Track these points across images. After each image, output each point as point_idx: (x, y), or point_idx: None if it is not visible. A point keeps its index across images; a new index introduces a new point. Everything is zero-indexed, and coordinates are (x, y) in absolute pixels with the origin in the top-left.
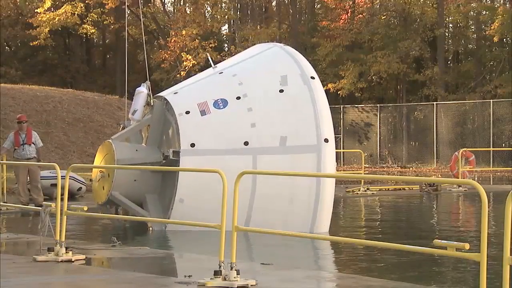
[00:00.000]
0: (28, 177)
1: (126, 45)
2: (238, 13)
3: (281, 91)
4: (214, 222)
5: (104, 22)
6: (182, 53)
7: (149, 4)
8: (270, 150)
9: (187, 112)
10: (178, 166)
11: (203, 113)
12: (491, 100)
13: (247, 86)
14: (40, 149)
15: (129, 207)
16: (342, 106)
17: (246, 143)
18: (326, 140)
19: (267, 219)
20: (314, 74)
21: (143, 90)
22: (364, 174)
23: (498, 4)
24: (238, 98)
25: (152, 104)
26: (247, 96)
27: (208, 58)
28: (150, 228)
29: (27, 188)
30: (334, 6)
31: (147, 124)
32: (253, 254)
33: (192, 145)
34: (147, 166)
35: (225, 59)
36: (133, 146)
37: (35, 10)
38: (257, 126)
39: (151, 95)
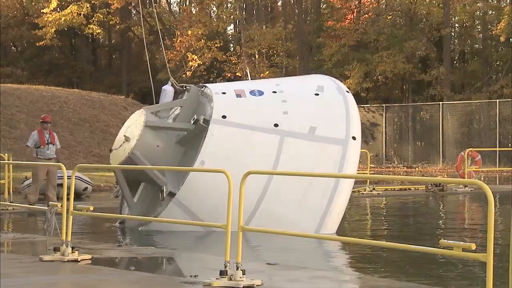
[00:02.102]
0: (46, 177)
1: (145, 44)
2: (244, 13)
3: (317, 94)
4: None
5: (110, 23)
6: (188, 53)
7: (155, 4)
8: (298, 135)
9: (223, 93)
10: (206, 134)
11: (238, 96)
12: (497, 100)
13: (284, 86)
14: (58, 150)
15: (147, 169)
16: None
17: (276, 125)
18: (353, 138)
19: (278, 209)
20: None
21: (168, 88)
22: (370, 174)
23: (504, 4)
24: (274, 92)
25: (188, 88)
26: (282, 92)
27: (246, 72)
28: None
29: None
30: (339, 6)
31: (179, 105)
32: (258, 253)
33: (224, 117)
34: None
35: (231, 59)
36: (162, 120)
37: (41, 11)
38: (289, 114)
39: (178, 86)
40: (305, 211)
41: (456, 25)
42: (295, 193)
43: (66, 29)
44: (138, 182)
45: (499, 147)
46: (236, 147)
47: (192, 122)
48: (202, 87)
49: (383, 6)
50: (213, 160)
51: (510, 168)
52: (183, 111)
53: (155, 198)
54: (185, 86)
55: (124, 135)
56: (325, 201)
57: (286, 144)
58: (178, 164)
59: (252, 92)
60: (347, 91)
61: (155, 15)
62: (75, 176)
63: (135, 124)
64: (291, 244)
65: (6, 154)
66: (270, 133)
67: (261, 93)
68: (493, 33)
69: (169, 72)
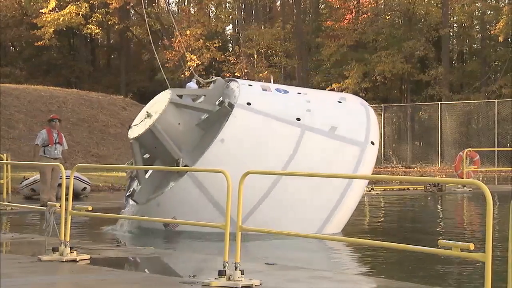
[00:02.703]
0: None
1: (152, 43)
2: (242, 13)
3: (339, 102)
4: (244, 171)
5: (109, 23)
6: (186, 53)
7: (154, 4)
8: (318, 131)
9: (250, 85)
10: (229, 116)
11: (264, 90)
12: (496, 100)
13: (309, 93)
14: (65, 151)
15: (166, 142)
16: None
17: (298, 119)
18: (372, 143)
19: (288, 203)
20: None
21: (192, 85)
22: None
23: (502, 4)
24: (299, 93)
25: (214, 79)
26: (307, 94)
27: (270, 81)
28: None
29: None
30: (338, 6)
31: (203, 94)
32: (257, 253)
33: (248, 103)
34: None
35: (229, 59)
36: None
37: (40, 10)
38: (312, 112)
39: (203, 82)
40: (313, 208)
41: (455, 25)
42: (304, 191)
43: (64, 29)
44: (152, 160)
45: (497, 147)
46: (256, 133)
47: (217, 103)
48: (229, 81)
49: (382, 6)
50: (233, 141)
51: (509, 168)
52: (206, 100)
53: (167, 174)
54: (211, 77)
55: (147, 111)
56: (335, 199)
57: (305, 138)
58: (196, 146)
59: (278, 90)
60: (368, 105)
61: (170, 13)
62: (74, 176)
63: (159, 102)
64: (291, 243)
65: (4, 154)
66: (292, 125)
67: (286, 91)
68: (492, 33)
69: (193, 70)
